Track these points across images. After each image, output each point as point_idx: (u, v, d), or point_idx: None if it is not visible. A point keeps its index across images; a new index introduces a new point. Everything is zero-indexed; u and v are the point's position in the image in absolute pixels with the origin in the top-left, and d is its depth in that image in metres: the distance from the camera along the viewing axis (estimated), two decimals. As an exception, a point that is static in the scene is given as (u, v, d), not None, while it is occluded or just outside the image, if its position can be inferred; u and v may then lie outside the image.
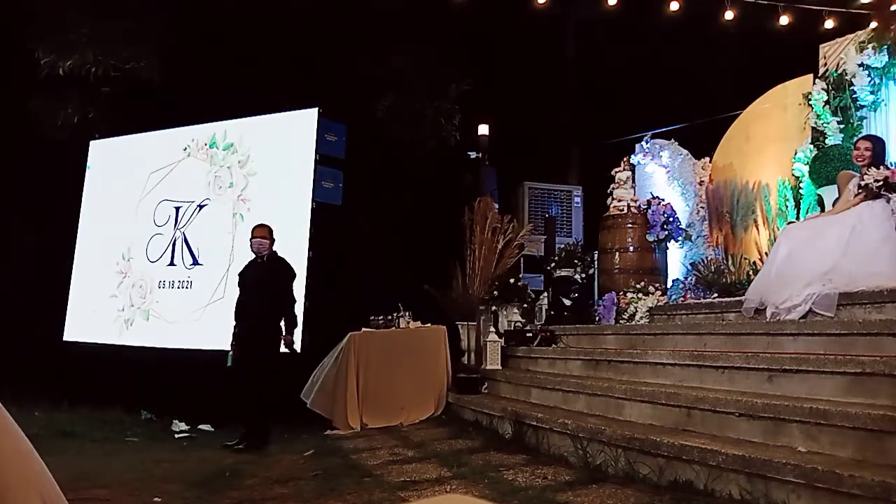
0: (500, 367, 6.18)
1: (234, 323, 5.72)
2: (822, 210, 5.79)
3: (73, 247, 8.50)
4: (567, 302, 6.91)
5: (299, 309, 6.09)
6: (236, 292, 5.85)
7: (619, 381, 4.60)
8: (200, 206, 7.76)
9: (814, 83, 6.54)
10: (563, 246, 7.51)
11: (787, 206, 6.55)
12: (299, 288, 6.18)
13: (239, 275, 5.88)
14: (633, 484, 3.49)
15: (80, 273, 8.44)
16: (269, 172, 7.38)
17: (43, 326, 8.20)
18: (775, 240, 5.31)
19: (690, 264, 6.76)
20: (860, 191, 4.62)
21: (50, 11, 7.85)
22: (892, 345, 3.42)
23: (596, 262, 7.21)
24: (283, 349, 5.64)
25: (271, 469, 4.54)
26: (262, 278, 5.66)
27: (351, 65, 8.06)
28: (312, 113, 7.21)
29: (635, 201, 7.08)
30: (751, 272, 5.74)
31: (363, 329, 6.41)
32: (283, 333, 5.61)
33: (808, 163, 6.35)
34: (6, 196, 8.39)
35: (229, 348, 5.67)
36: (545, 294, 7.17)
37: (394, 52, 8.23)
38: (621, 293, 6.50)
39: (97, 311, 8.13)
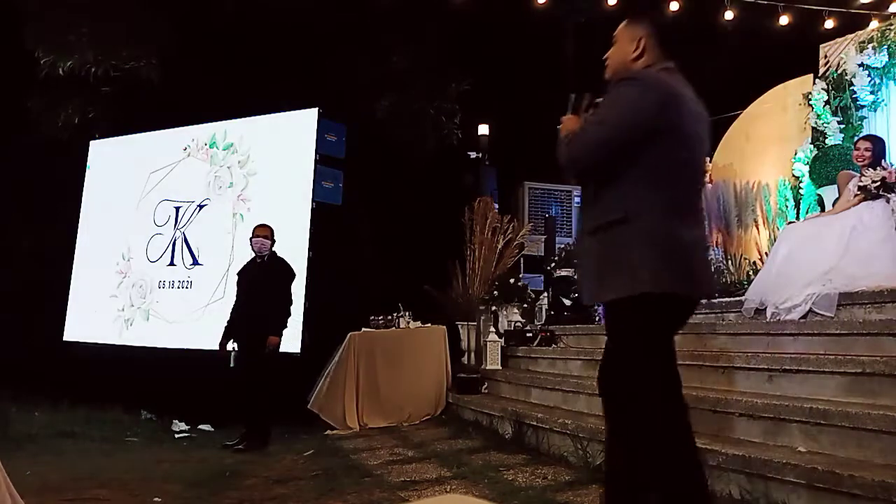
0: (500, 367, 6.18)
1: (227, 323, 5.71)
2: (822, 210, 5.79)
3: (73, 247, 8.50)
4: (567, 302, 6.90)
5: (299, 309, 6.09)
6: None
7: (619, 381, 4.59)
8: (200, 206, 7.76)
9: (814, 83, 6.54)
10: (563, 246, 7.51)
11: (787, 206, 6.55)
12: (299, 288, 6.18)
13: (238, 274, 5.88)
14: (633, 484, 3.49)
15: (80, 273, 8.44)
16: (269, 172, 7.38)
17: (43, 326, 8.20)
18: (775, 240, 5.31)
19: (690, 264, 6.75)
20: (859, 192, 4.62)
21: (50, 11, 7.86)
22: (892, 345, 3.42)
23: (596, 262, 7.20)
24: (275, 348, 5.60)
25: (271, 469, 4.54)
26: (262, 278, 5.66)
27: (351, 65, 8.06)
28: (312, 113, 7.21)
29: (635, 201, 7.07)
30: (751, 272, 5.73)
31: (363, 329, 6.41)
32: (271, 333, 5.52)
33: (808, 163, 6.34)
34: (6, 196, 8.39)
35: (220, 348, 5.64)
36: (545, 294, 7.17)
37: (394, 52, 8.23)
38: (621, 293, 6.49)
39: (97, 311, 8.13)
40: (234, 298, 5.82)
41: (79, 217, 8.58)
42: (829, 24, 7.92)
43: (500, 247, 7.16)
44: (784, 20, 8.20)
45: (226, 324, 5.71)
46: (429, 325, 6.59)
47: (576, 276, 2.61)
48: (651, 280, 2.15)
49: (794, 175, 6.57)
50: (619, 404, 2.32)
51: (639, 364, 2.25)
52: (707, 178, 7.55)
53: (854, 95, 6.22)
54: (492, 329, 6.59)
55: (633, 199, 2.18)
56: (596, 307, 5.81)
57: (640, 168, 2.20)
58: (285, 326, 5.66)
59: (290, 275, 5.77)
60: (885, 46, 6.10)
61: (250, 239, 5.76)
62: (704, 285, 2.39)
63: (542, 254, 7.94)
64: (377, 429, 5.83)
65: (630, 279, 2.16)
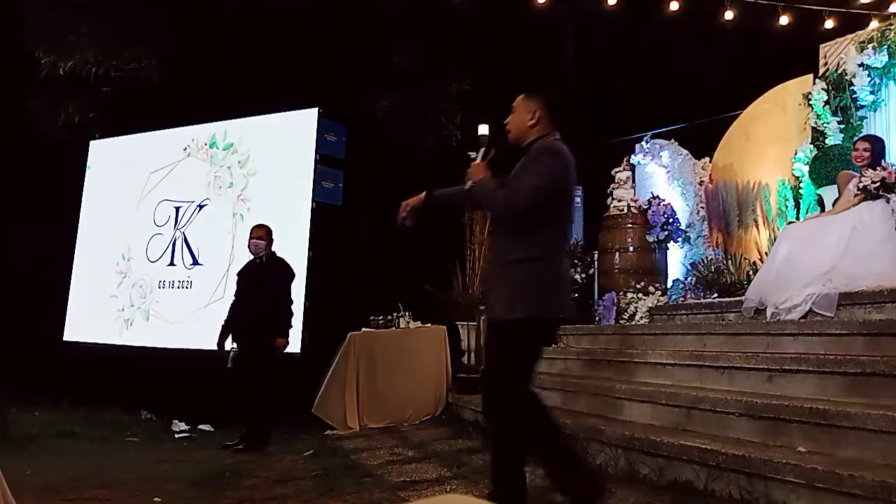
0: (500, 367, 6.17)
1: (224, 322, 5.71)
2: (822, 210, 5.79)
3: (73, 247, 8.50)
4: (567, 302, 6.90)
5: (299, 309, 6.08)
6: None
7: (619, 381, 4.59)
8: (200, 206, 7.76)
9: (814, 83, 6.54)
10: (562, 246, 7.49)
11: (787, 206, 6.55)
12: (299, 288, 6.18)
13: (237, 274, 5.88)
14: (633, 484, 3.49)
15: (80, 273, 8.44)
16: (269, 172, 7.38)
17: (43, 326, 8.20)
18: (775, 240, 5.31)
19: (690, 264, 6.75)
20: (859, 192, 4.62)
21: (50, 11, 7.85)
22: (892, 345, 3.42)
23: (596, 262, 7.20)
24: (282, 349, 5.62)
25: (271, 469, 4.54)
26: (261, 278, 5.65)
27: (351, 65, 8.06)
28: (312, 113, 7.20)
29: (635, 201, 7.07)
30: (751, 272, 5.73)
31: (363, 329, 6.41)
32: (278, 335, 5.55)
33: (808, 163, 6.34)
34: (6, 196, 8.39)
35: (218, 347, 5.65)
36: (545, 294, 7.15)
37: (394, 52, 8.23)
38: (621, 293, 6.49)
39: (97, 311, 8.13)
40: (234, 298, 5.82)
41: (79, 217, 8.57)
42: (829, 24, 7.93)
43: (500, 247, 7.15)
44: (784, 20, 8.20)
45: (223, 323, 5.71)
46: (429, 325, 6.59)
47: (491, 294, 3.04)
48: (555, 305, 2.84)
49: (793, 175, 6.57)
50: (510, 410, 2.82)
51: (527, 368, 2.88)
52: (707, 179, 7.57)
53: (854, 95, 6.22)
54: (491, 329, 6.58)
55: (546, 243, 2.81)
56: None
57: (551, 220, 2.84)
58: (291, 327, 5.67)
59: (290, 275, 5.76)
60: (885, 46, 6.10)
61: (248, 241, 5.76)
62: (570, 309, 3.33)
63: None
64: (377, 429, 5.83)
65: (539, 303, 2.77)
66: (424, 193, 3.21)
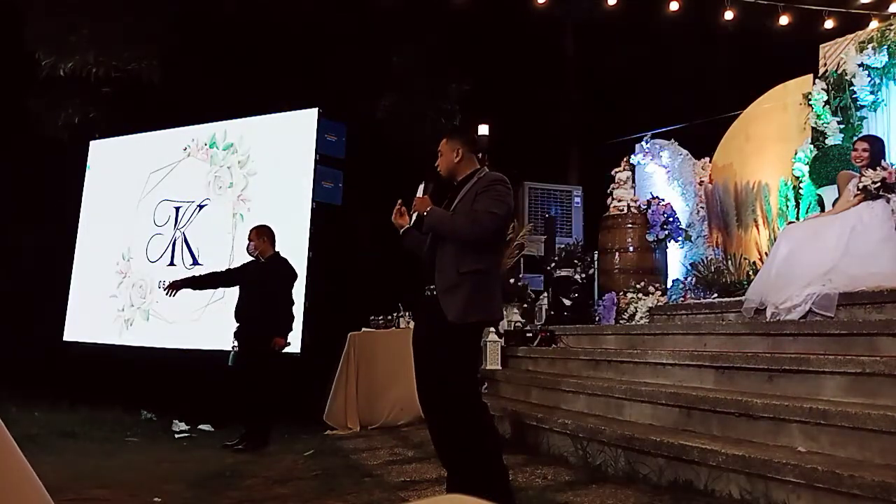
0: (500, 367, 6.17)
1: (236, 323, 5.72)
2: (822, 210, 5.78)
3: (73, 247, 8.50)
4: (567, 302, 6.91)
5: (299, 309, 6.07)
6: (236, 292, 5.85)
7: (619, 381, 4.59)
8: (200, 206, 7.76)
9: (814, 83, 6.54)
10: (563, 246, 7.51)
11: (787, 206, 6.55)
12: (299, 288, 6.18)
13: (240, 272, 5.87)
14: (633, 484, 3.49)
15: (80, 273, 8.44)
16: (269, 172, 7.38)
17: (43, 326, 8.20)
18: (775, 240, 5.31)
19: (690, 264, 6.75)
20: (859, 192, 4.62)
21: (50, 12, 7.86)
22: (892, 345, 3.42)
23: (596, 262, 7.20)
24: (279, 349, 5.61)
25: (271, 469, 4.54)
26: (261, 278, 5.65)
27: (351, 65, 8.07)
28: (312, 113, 7.20)
29: (635, 201, 7.07)
30: (751, 272, 5.73)
31: (363, 329, 6.41)
32: (276, 335, 5.54)
33: (808, 163, 6.34)
34: (6, 196, 8.40)
35: (230, 348, 5.65)
36: (545, 294, 7.16)
37: (394, 52, 8.23)
38: (621, 293, 6.49)
39: (97, 311, 8.13)
40: (237, 299, 5.81)
41: (79, 217, 8.58)
42: (829, 24, 7.93)
43: (500, 247, 7.15)
44: (784, 20, 8.20)
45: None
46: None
47: (442, 300, 3.20)
48: (496, 311, 3.35)
49: (794, 175, 6.57)
50: (457, 402, 3.12)
51: (475, 364, 3.35)
52: (707, 179, 7.57)
53: (854, 95, 6.22)
54: (492, 329, 6.58)
55: (491, 258, 3.25)
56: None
57: (498, 239, 3.36)
58: (290, 328, 5.66)
59: (290, 276, 5.74)
60: (885, 46, 6.09)
61: None
62: (501, 312, 3.63)
63: (542, 254, 7.94)
64: (377, 429, 5.83)
65: (486, 309, 3.20)
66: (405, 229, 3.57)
